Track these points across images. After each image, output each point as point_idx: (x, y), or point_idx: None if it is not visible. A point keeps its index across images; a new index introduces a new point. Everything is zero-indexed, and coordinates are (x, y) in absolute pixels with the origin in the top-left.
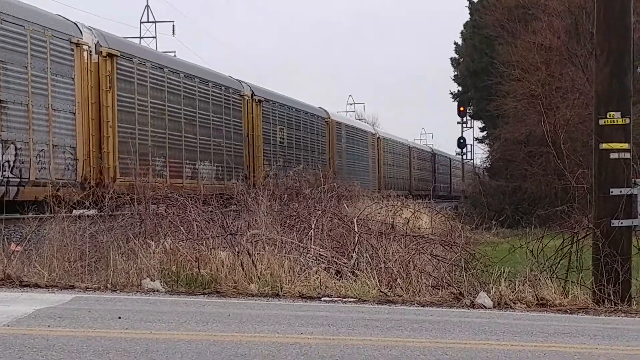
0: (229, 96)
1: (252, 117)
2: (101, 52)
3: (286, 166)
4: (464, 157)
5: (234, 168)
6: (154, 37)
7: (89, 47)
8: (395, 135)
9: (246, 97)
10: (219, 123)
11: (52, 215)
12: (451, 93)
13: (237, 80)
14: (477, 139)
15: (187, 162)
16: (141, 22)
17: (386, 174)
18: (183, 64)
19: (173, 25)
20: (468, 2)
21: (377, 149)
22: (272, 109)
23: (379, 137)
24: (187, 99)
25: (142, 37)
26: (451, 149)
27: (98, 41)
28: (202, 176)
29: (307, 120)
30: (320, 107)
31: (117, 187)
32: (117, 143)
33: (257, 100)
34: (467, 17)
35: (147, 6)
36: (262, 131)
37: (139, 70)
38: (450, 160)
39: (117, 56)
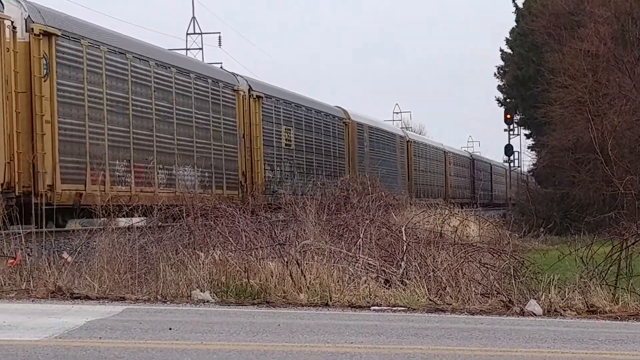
0: (218, 90)
1: (250, 115)
2: (32, 29)
3: (294, 172)
4: (512, 164)
5: (225, 174)
6: (200, 49)
7: (12, 22)
8: (429, 139)
9: (241, 92)
10: (204, 121)
11: (102, 227)
12: (497, 100)
13: (231, 73)
14: (529, 147)
15: (161, 166)
16: (187, 34)
17: (418, 180)
18: (156, 50)
19: (219, 37)
20: (515, 9)
21: (407, 153)
22: (275, 107)
23: (409, 141)
24: (161, 92)
25: (189, 49)
26: (499, 157)
27: (29, 15)
28: (182, 183)
29: (321, 120)
30: (338, 107)
31: (58, 196)
32: (58, 142)
33: (255, 96)
34: (512, 24)
35: (194, 17)
36: (262, 132)
37: (91, 54)
38: (491, 166)
39: (56, 36)
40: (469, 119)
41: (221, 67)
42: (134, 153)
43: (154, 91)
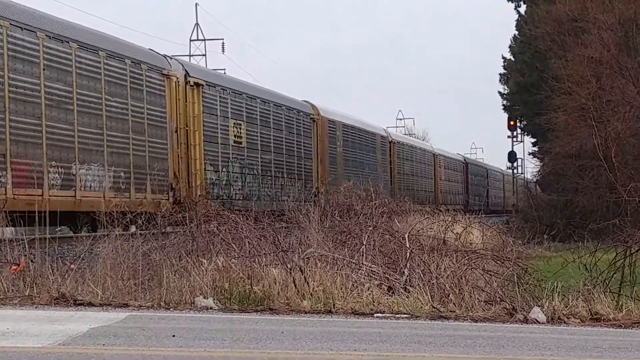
0: (139, 74)
1: (186, 105)
2: None
3: (245, 174)
4: (515, 171)
5: (149, 175)
6: (203, 55)
7: None
8: (418, 140)
9: (173, 78)
10: (119, 110)
11: (106, 233)
12: (503, 106)
13: (162, 55)
14: (530, 153)
15: (54, 163)
16: (191, 40)
17: (402, 185)
18: (47, 19)
19: (223, 43)
20: (517, 16)
21: (390, 155)
22: (221, 97)
23: (392, 141)
24: (52, 71)
25: (192, 55)
26: (502, 163)
27: None
28: (86, 185)
29: (282, 115)
30: (305, 101)
31: None
32: None
33: (193, 84)
34: (514, 31)
35: (197, 24)
36: (202, 125)
37: None
38: (488, 171)
39: None
40: (473, 126)
41: (146, 48)
42: (12, 145)
43: (44, 69)
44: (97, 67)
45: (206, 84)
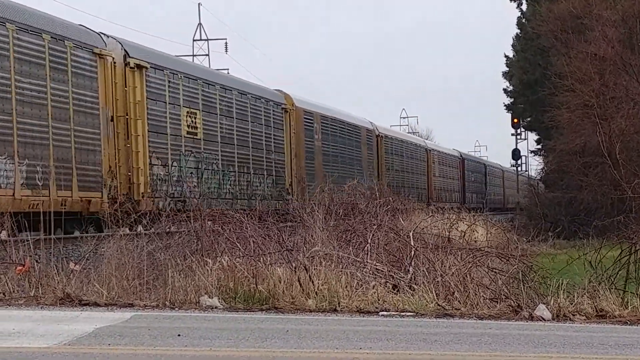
0: (61, 51)
1: (126, 90)
2: None
3: (202, 169)
4: (519, 168)
5: (77, 169)
6: (206, 55)
7: None
8: (408, 134)
9: (109, 58)
10: (35, 93)
11: (110, 233)
12: (505, 105)
13: (96, 32)
14: (532, 151)
15: None
16: (194, 40)
17: (391, 182)
18: None
19: (226, 43)
20: (520, 13)
21: (377, 150)
22: (170, 82)
23: (379, 135)
24: None
25: (195, 55)
26: (506, 161)
27: None
28: None
29: (247, 104)
30: (277, 90)
31: None
32: None
33: (134, 65)
34: (515, 30)
35: (200, 24)
36: (146, 114)
37: None
38: (486, 167)
39: None
40: (476, 124)
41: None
42: None
43: None
44: (3, 42)
45: (151, 67)
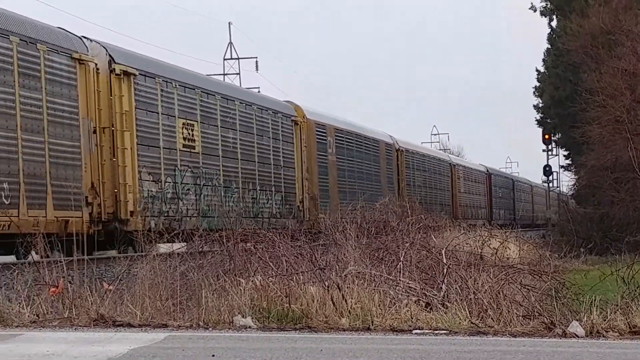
0: (33, 56)
1: (112, 99)
2: None
3: (201, 185)
4: (551, 185)
5: (52, 185)
6: (237, 74)
7: None
8: (430, 149)
9: (90, 64)
10: None
11: (143, 254)
12: (537, 120)
13: (77, 35)
14: (562, 166)
15: None
16: (225, 59)
17: (413, 198)
18: None
19: (256, 62)
20: (550, 30)
21: (397, 165)
22: (163, 91)
23: (399, 149)
24: None
25: (226, 74)
26: (537, 177)
27: None
28: None
29: (252, 115)
30: (287, 101)
31: None
32: None
33: (120, 72)
34: (546, 44)
35: (230, 43)
36: (135, 125)
37: None
38: (514, 182)
39: None
40: (508, 140)
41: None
42: None
43: None
44: None
45: (140, 74)
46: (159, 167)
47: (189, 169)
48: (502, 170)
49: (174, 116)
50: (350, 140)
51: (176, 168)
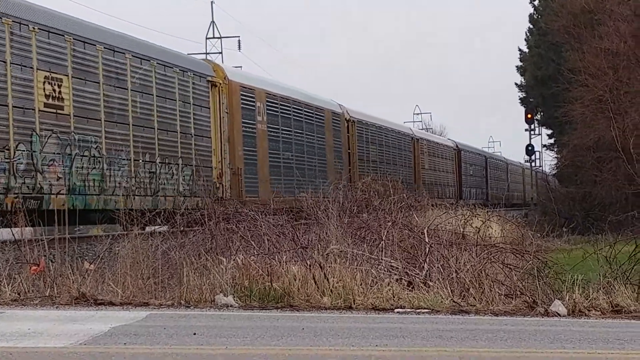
0: None
1: None
2: None
3: (73, 154)
4: (533, 164)
5: None
6: (220, 53)
7: None
8: (389, 120)
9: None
10: None
11: (125, 232)
12: (520, 99)
13: None
14: (544, 146)
15: None
16: (207, 38)
17: (366, 174)
18: None
19: (239, 41)
20: (533, 9)
21: (347, 137)
22: (13, 35)
23: (350, 120)
24: None
25: (208, 53)
26: (520, 157)
27: None
28: None
29: (150, 72)
30: (205, 60)
31: None
32: None
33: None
34: (528, 24)
35: (213, 22)
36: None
37: None
38: (487, 159)
39: None
40: (491, 120)
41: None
42: None
43: None
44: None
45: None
46: (7, 133)
47: (54, 135)
48: (479, 148)
49: (31, 67)
50: (287, 108)
51: (34, 133)
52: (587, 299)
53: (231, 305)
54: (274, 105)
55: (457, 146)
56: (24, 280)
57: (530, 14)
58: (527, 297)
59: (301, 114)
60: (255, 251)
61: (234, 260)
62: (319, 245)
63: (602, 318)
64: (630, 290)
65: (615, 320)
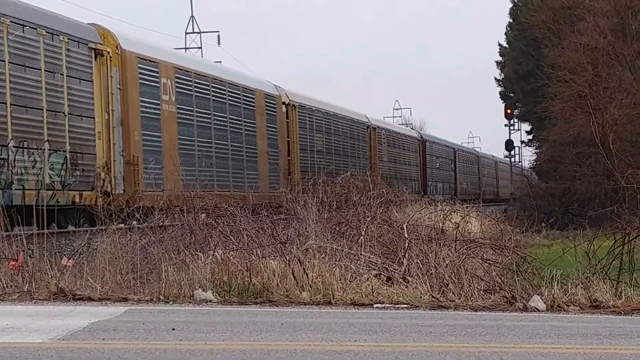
0: None
1: None
2: None
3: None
4: (513, 159)
5: None
6: (199, 48)
7: None
8: (340, 106)
9: None
10: None
11: (103, 227)
12: (500, 94)
13: None
14: (523, 142)
15: None
16: (186, 33)
17: (309, 167)
18: None
19: (218, 35)
20: (512, 4)
21: (287, 125)
22: None
23: (290, 104)
24: None
25: (188, 48)
26: (499, 152)
27: None
28: None
29: (22, 41)
30: (91, 24)
31: None
32: None
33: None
34: (508, 18)
35: (192, 17)
36: None
37: None
38: (455, 152)
39: None
40: (471, 116)
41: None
42: None
43: None
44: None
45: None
46: None
47: None
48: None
49: None
50: (204, 87)
51: None
52: (565, 294)
53: (210, 301)
54: (186, 82)
55: (421, 137)
56: (2, 275)
57: (511, 8)
58: (506, 293)
59: (223, 95)
60: (234, 246)
61: (212, 255)
62: (298, 241)
63: (581, 313)
64: (608, 285)
65: (594, 316)
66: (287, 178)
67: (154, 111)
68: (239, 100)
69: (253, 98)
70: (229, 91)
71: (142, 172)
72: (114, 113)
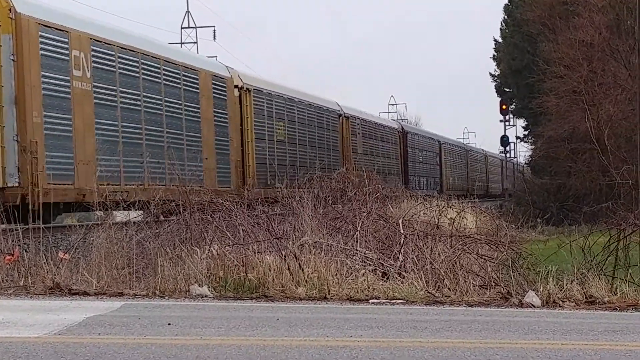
0: None
1: None
2: None
3: None
4: (508, 155)
5: None
6: (194, 43)
7: None
8: (306, 92)
9: None
10: None
11: (99, 222)
12: (496, 89)
13: None
14: (518, 137)
15: None
16: (182, 28)
17: (268, 160)
18: None
19: (214, 30)
20: (507, 0)
21: (241, 108)
22: None
23: (244, 88)
24: None
25: (184, 43)
26: (495, 148)
27: None
28: None
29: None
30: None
31: None
32: None
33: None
34: (503, 14)
35: (188, 12)
36: None
37: None
38: (441, 145)
39: None
40: (466, 111)
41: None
42: None
43: None
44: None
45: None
46: None
47: None
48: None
49: None
50: (131, 63)
51: None
52: (561, 290)
53: (206, 296)
54: (106, 57)
55: (402, 128)
56: None
57: (506, 4)
58: (502, 288)
59: (157, 73)
60: (230, 241)
61: (208, 250)
62: (294, 236)
63: (576, 309)
64: (604, 281)
65: (589, 312)
66: (239, 171)
67: (62, 89)
68: (178, 81)
69: (196, 79)
70: (164, 69)
71: (45, 161)
72: (2, 89)
